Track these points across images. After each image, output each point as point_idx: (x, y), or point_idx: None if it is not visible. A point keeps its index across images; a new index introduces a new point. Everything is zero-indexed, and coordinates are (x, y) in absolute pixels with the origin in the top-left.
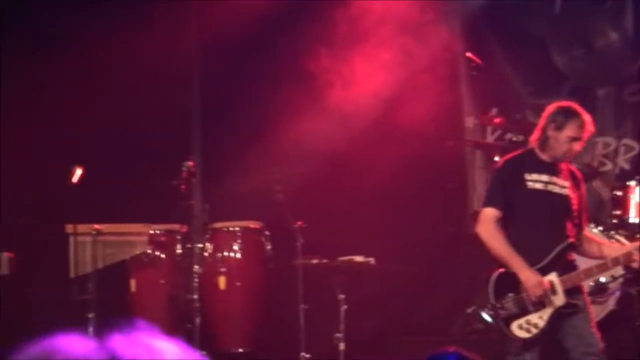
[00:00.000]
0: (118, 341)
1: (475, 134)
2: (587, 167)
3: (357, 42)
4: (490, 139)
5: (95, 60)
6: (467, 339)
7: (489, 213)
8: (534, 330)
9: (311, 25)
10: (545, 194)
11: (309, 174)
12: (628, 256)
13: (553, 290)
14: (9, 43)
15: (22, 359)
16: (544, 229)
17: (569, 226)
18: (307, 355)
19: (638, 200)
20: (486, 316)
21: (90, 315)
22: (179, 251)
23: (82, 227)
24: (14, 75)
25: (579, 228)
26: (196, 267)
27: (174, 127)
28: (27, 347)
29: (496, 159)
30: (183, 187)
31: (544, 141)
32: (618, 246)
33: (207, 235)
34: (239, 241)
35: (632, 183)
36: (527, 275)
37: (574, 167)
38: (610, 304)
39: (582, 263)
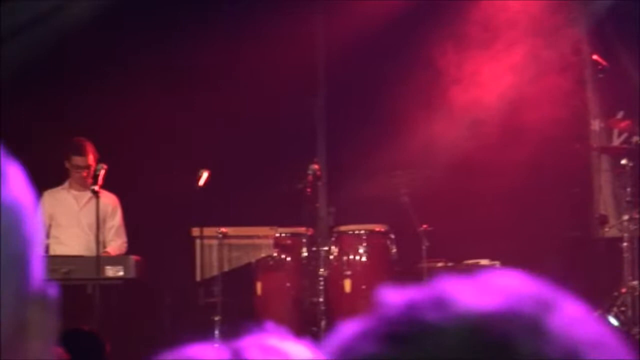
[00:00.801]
0: (246, 344)
1: (601, 137)
2: None
3: (486, 43)
4: (616, 142)
5: (222, 67)
6: None
7: None
8: None
9: (438, 26)
10: None
11: (435, 176)
12: None
13: None
14: (144, 50)
15: None
16: None
17: None
18: None
19: None
20: (613, 320)
21: (217, 318)
22: (304, 254)
23: (208, 231)
24: (147, 82)
25: None
26: (322, 270)
27: (300, 130)
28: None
29: (623, 162)
30: (309, 190)
31: None
32: None
33: (333, 238)
34: (364, 244)
35: None
36: None
37: None
38: None
39: None
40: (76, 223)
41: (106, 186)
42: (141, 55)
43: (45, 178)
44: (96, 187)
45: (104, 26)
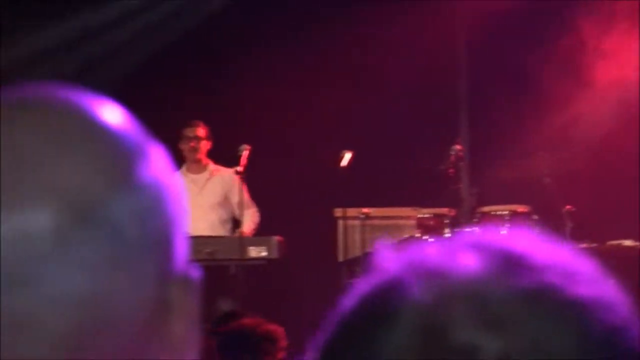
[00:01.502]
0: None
1: None
2: None
3: (634, 19)
4: None
5: (365, 47)
6: None
7: None
8: None
9: (584, 1)
10: None
11: (578, 156)
12: None
13: None
14: (286, 30)
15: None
16: None
17: None
18: None
19: None
20: None
21: None
22: (447, 235)
23: (351, 211)
24: (290, 63)
25: None
26: None
27: (442, 111)
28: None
29: None
30: (451, 171)
31: None
32: None
33: (475, 219)
34: (507, 225)
35: None
36: None
37: None
38: None
39: None
40: (197, 205)
41: (251, 167)
42: (283, 36)
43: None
44: (239, 168)
45: (242, 7)
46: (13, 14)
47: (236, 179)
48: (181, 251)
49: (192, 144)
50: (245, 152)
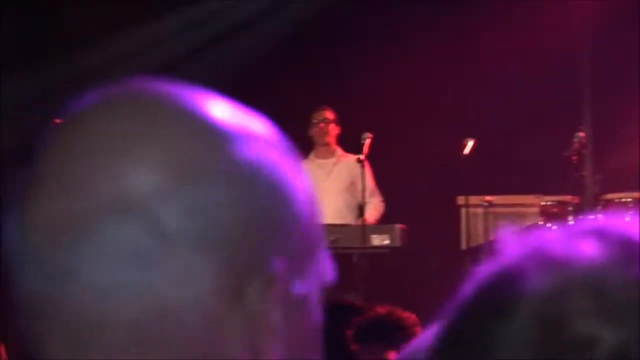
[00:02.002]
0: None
1: None
2: None
3: None
4: None
5: (487, 35)
6: None
7: None
8: None
9: None
10: None
11: None
12: None
13: None
14: (410, 19)
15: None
16: None
17: None
18: None
19: None
20: None
21: None
22: (571, 222)
23: (473, 199)
24: (413, 51)
25: None
26: None
27: (565, 98)
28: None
29: None
30: (574, 158)
31: None
32: None
33: (599, 206)
34: (631, 212)
35: None
36: None
37: None
38: None
39: None
40: (324, 190)
41: (373, 154)
42: (406, 24)
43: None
44: (362, 156)
45: None
46: (120, 8)
47: (363, 165)
48: (270, 248)
49: (321, 125)
50: (367, 140)
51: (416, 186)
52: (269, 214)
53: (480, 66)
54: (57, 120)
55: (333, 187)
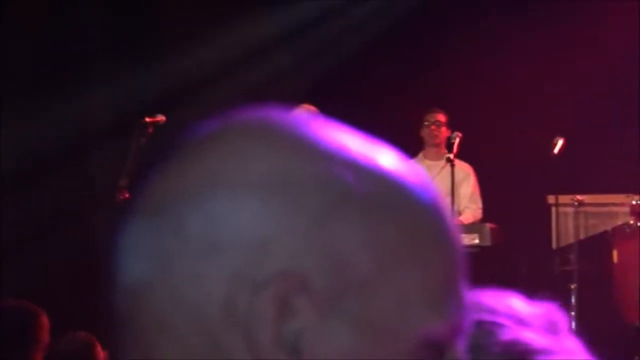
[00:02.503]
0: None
1: None
2: None
3: None
4: None
5: (578, 33)
6: None
7: None
8: None
9: None
10: None
11: None
12: None
13: None
14: (501, 17)
15: None
16: None
17: None
18: None
19: None
20: None
21: (573, 286)
22: None
23: (564, 198)
24: (501, 49)
25: None
26: None
27: None
28: None
29: None
30: None
31: None
32: None
33: None
34: None
35: None
36: None
37: None
38: None
39: None
40: None
41: (462, 154)
42: (497, 22)
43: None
44: (451, 155)
45: None
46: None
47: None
48: (277, 259)
49: (432, 127)
50: (457, 140)
51: (506, 185)
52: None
53: (571, 65)
54: (147, 119)
55: (438, 189)
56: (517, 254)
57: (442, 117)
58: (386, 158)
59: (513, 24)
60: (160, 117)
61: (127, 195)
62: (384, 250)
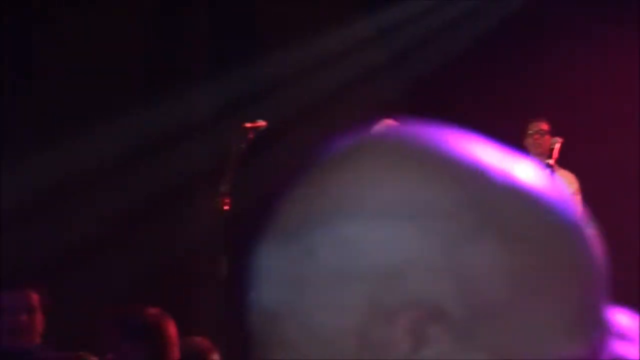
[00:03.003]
0: None
1: None
2: None
3: None
4: None
5: None
6: None
7: None
8: None
9: None
10: None
11: None
12: None
13: None
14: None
15: None
16: None
17: None
18: None
19: None
20: None
21: None
22: None
23: None
24: (611, 55)
25: None
26: None
27: None
28: None
29: None
30: None
31: None
32: None
33: None
34: None
35: None
36: None
37: None
38: None
39: None
40: None
41: (562, 161)
42: (599, 23)
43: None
44: (551, 161)
45: None
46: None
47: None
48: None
49: (535, 137)
50: (557, 145)
51: (608, 194)
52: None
53: None
54: (248, 125)
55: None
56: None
57: (544, 126)
58: (525, 174)
59: (616, 23)
60: (261, 123)
61: (226, 201)
62: (522, 275)
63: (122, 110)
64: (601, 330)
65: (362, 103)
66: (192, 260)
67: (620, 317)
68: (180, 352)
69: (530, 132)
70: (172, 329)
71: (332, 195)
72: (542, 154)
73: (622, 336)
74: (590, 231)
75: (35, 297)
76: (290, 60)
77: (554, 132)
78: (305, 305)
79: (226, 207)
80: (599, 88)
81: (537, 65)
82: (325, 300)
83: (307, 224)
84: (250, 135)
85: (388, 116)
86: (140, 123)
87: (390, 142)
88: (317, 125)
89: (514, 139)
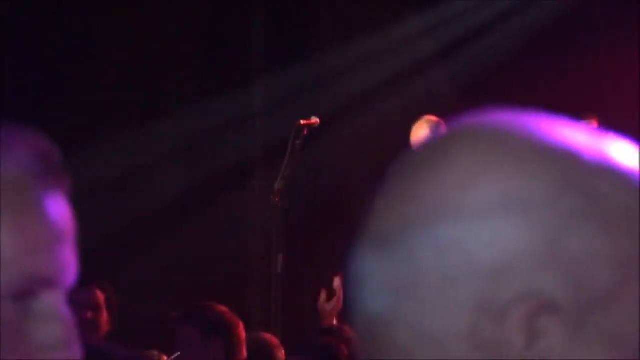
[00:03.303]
0: None
1: None
2: None
3: None
4: None
5: None
6: None
7: None
8: None
9: None
10: None
11: None
12: None
13: None
14: None
15: None
16: None
17: None
18: None
19: None
20: None
21: None
22: None
23: None
24: None
25: None
26: None
27: None
28: None
29: None
30: None
31: None
32: None
33: None
34: None
35: None
36: None
37: None
38: None
39: None
40: None
41: None
42: None
43: None
44: None
45: None
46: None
47: None
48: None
49: None
50: None
51: None
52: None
53: None
54: (302, 122)
55: None
56: None
57: (595, 123)
58: (617, 153)
59: None
60: (315, 120)
61: (280, 198)
62: (626, 258)
63: (174, 106)
64: None
65: (413, 97)
66: (244, 256)
67: None
68: (248, 348)
69: None
70: (242, 327)
71: (429, 196)
72: None
73: None
74: None
75: (100, 295)
76: (342, 56)
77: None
78: (411, 309)
79: (280, 204)
80: None
81: (590, 61)
82: (432, 303)
83: (406, 227)
84: (305, 132)
85: (439, 111)
86: (191, 120)
87: (479, 135)
88: (369, 120)
89: None
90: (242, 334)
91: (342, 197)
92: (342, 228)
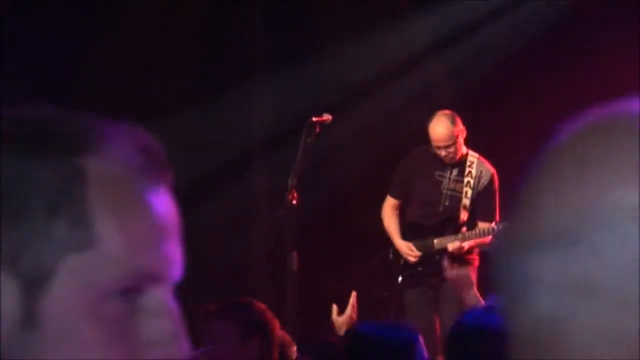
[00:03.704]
0: None
1: None
2: None
3: None
4: None
5: None
6: None
7: None
8: None
9: None
10: None
11: None
12: None
13: None
14: None
15: None
16: None
17: None
18: None
19: None
20: None
21: None
22: None
23: None
24: None
25: None
26: None
27: None
28: None
29: None
30: None
31: None
32: None
33: None
34: None
35: None
36: None
37: None
38: None
39: None
40: None
41: None
42: None
43: None
44: None
45: None
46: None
47: None
48: None
49: None
50: None
51: None
52: None
53: None
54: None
55: None
56: None
57: None
58: None
59: None
60: (327, 117)
61: (295, 195)
62: None
63: (175, 106)
64: None
65: (418, 99)
66: (259, 254)
67: None
68: None
69: None
70: (278, 327)
71: (611, 195)
72: None
73: None
74: None
75: None
76: (342, 55)
77: None
78: (591, 307)
79: (294, 201)
80: None
81: (590, 60)
82: (614, 300)
83: (590, 225)
84: (317, 129)
85: (440, 108)
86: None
87: (624, 136)
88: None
89: None
90: (278, 333)
91: (342, 197)
92: (351, 226)
